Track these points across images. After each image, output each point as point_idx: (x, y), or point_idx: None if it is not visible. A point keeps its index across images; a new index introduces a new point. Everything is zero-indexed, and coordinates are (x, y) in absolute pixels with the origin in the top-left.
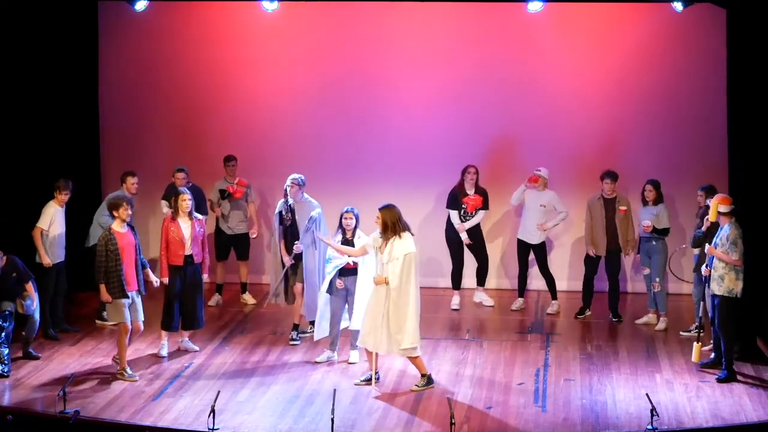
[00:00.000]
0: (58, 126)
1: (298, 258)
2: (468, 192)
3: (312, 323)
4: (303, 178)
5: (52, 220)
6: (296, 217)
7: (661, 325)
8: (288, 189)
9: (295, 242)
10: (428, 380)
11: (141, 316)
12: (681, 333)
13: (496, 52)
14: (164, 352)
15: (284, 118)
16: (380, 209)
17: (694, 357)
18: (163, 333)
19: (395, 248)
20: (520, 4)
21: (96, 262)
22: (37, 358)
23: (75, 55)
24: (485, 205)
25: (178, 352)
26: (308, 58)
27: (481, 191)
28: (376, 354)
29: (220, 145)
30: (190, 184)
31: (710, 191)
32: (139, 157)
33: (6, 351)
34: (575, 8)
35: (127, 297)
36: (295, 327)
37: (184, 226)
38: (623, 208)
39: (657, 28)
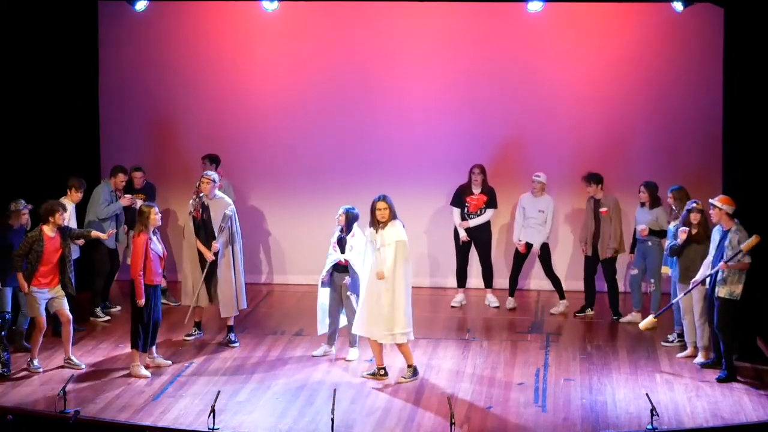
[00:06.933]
0: (58, 125)
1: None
2: (474, 191)
3: (197, 325)
4: (216, 175)
5: (70, 217)
6: (211, 214)
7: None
8: (200, 186)
9: (213, 241)
10: (414, 371)
11: (67, 307)
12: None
13: (495, 51)
14: (147, 372)
15: (285, 117)
16: (384, 199)
17: (642, 325)
18: (136, 353)
19: (386, 236)
20: (520, 4)
21: (16, 252)
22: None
23: (75, 55)
24: (491, 204)
25: (177, 353)
26: (310, 58)
27: (487, 190)
28: (380, 348)
29: (220, 143)
30: (145, 182)
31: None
32: (138, 155)
33: (6, 351)
34: (575, 8)
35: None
36: (197, 324)
37: (156, 240)
38: (604, 209)
39: (657, 28)
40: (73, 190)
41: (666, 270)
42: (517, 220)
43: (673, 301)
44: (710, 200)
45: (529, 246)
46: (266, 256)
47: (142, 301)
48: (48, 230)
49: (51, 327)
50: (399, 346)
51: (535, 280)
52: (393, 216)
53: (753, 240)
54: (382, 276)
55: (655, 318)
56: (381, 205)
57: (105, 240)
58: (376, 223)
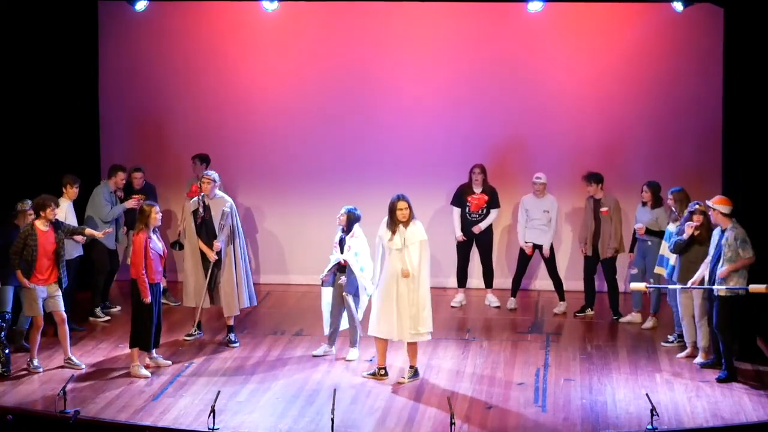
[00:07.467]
0: (58, 125)
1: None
2: (475, 191)
3: (197, 325)
4: (217, 174)
5: (66, 215)
6: (212, 213)
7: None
8: (201, 186)
9: (214, 240)
10: (415, 372)
11: (62, 306)
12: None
13: (495, 51)
14: (147, 372)
15: (285, 118)
16: (404, 199)
17: (633, 286)
18: (136, 353)
19: (410, 235)
20: (520, 4)
21: (11, 250)
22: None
23: (75, 55)
24: (494, 204)
25: (177, 353)
26: (310, 58)
27: (489, 190)
28: (385, 348)
29: (220, 144)
30: (145, 182)
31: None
32: (138, 155)
33: (6, 351)
34: (575, 8)
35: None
36: (197, 324)
37: (155, 239)
38: (604, 209)
39: (657, 28)
40: (68, 187)
41: (660, 271)
42: (520, 222)
43: (669, 287)
44: (706, 201)
45: (536, 247)
46: (266, 256)
47: (148, 299)
48: (40, 224)
49: (53, 327)
50: (410, 345)
51: (536, 280)
52: (413, 215)
53: (762, 288)
54: (408, 274)
55: (646, 288)
56: (402, 204)
57: (104, 240)
58: (396, 223)
